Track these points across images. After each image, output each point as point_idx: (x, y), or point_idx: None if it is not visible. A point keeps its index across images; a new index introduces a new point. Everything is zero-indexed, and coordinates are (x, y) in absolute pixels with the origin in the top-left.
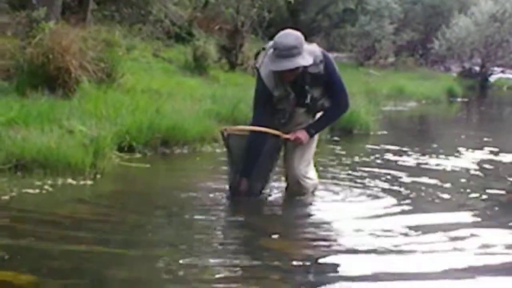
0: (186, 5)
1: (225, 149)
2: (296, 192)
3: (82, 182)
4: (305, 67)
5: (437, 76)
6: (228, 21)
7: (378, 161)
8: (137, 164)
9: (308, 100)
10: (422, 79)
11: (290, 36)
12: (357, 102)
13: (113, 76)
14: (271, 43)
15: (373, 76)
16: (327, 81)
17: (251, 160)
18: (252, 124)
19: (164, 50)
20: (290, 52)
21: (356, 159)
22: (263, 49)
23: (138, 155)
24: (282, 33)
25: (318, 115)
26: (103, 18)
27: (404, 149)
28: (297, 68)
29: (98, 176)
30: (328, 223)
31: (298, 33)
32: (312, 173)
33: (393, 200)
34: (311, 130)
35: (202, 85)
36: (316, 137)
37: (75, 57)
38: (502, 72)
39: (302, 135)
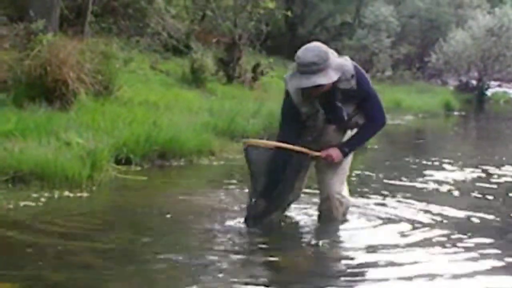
0: (184, 18)
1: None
2: (327, 211)
3: (79, 195)
4: (335, 82)
5: (434, 90)
6: (226, 34)
7: (373, 179)
8: (134, 176)
9: (345, 117)
10: (419, 93)
11: (310, 51)
12: None
13: (111, 89)
14: None
15: None
16: (361, 97)
17: (271, 181)
18: (278, 141)
19: (161, 63)
20: (309, 68)
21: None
22: None
23: (135, 168)
24: (304, 47)
25: (349, 132)
26: (101, 31)
27: (399, 164)
28: (316, 86)
29: (95, 188)
30: (333, 241)
31: (322, 47)
32: (345, 191)
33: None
34: (345, 148)
35: (199, 98)
36: (351, 156)
37: (72, 69)
38: (499, 86)
39: (334, 152)
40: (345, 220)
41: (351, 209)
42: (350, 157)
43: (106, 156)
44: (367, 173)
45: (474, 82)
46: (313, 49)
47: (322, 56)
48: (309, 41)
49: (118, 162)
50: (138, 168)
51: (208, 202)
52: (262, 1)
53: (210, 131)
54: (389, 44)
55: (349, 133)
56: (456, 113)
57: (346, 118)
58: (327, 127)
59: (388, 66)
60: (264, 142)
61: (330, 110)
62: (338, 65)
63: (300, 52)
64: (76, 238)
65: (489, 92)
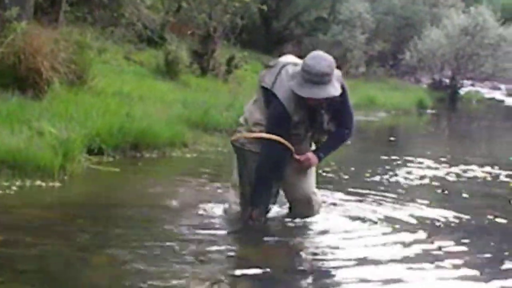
0: (159, 9)
1: (236, 162)
2: (303, 211)
3: (50, 184)
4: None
5: (407, 87)
6: (201, 26)
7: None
8: (106, 167)
9: (325, 126)
10: (392, 90)
11: (323, 61)
12: None
13: (84, 79)
14: (281, 60)
15: None
16: (340, 107)
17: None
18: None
19: (136, 54)
20: (322, 79)
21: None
22: (267, 66)
23: (107, 158)
24: (314, 55)
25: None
26: (75, 20)
27: (369, 160)
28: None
29: (67, 178)
30: (310, 235)
31: (331, 58)
32: (317, 191)
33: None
34: (321, 154)
35: (173, 90)
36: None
37: (46, 58)
38: (472, 85)
39: (312, 157)
40: (319, 217)
41: (324, 205)
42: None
43: (78, 146)
44: (341, 169)
45: (447, 80)
46: (325, 58)
47: (333, 67)
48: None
49: (90, 152)
50: (111, 159)
51: (179, 195)
52: None
53: (184, 123)
54: (364, 40)
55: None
56: (428, 111)
57: (325, 126)
58: (306, 135)
59: (362, 62)
60: (253, 134)
61: (314, 118)
62: (337, 75)
63: (311, 61)
64: (45, 228)
65: (462, 91)
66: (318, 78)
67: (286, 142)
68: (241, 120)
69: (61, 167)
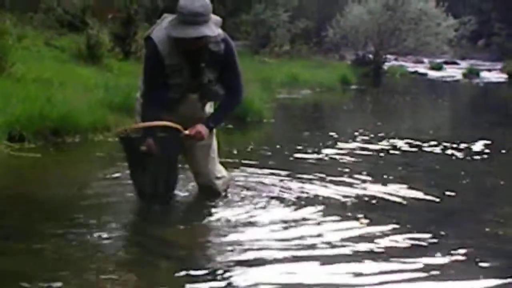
0: None
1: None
2: (209, 194)
3: None
4: (205, 42)
5: (331, 64)
6: (122, 9)
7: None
8: (27, 153)
9: (205, 81)
10: (316, 68)
11: (197, 1)
12: (251, 90)
13: (3, 65)
14: (165, 16)
15: (268, 64)
16: (225, 64)
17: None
18: (145, 98)
19: (56, 39)
20: (195, 19)
21: (249, 146)
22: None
23: (28, 145)
24: None
25: (208, 105)
26: None
27: (292, 138)
28: (201, 38)
29: None
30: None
31: (207, 0)
32: (220, 169)
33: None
34: (210, 123)
35: (95, 74)
36: (214, 130)
37: None
38: (396, 59)
39: (202, 129)
40: (231, 195)
41: (240, 183)
42: (214, 133)
43: None
44: (264, 147)
45: (371, 56)
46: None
47: (209, 8)
48: None
49: (11, 139)
50: (32, 146)
51: (100, 180)
52: None
53: (106, 107)
54: (287, 19)
55: (208, 107)
56: (353, 87)
57: (205, 81)
58: (189, 96)
59: (286, 41)
60: (140, 125)
61: (195, 71)
62: (216, 21)
63: (185, 2)
64: None
65: (385, 66)
66: (191, 18)
67: (172, 124)
68: (138, 95)
69: None
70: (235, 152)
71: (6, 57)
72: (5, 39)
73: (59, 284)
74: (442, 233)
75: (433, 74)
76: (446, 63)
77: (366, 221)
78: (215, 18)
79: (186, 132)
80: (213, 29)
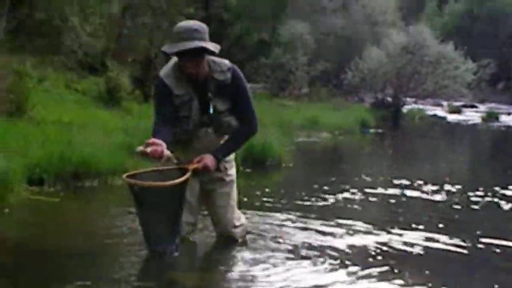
0: (100, 36)
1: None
2: (227, 241)
3: None
4: (210, 71)
5: (350, 107)
6: (142, 52)
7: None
8: (47, 198)
9: (211, 110)
10: (335, 110)
11: (190, 21)
12: (270, 133)
13: (24, 108)
14: (173, 57)
15: (287, 107)
16: (235, 94)
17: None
18: (152, 134)
19: (77, 81)
20: (191, 34)
21: (268, 191)
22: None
23: (48, 188)
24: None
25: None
26: (14, 49)
27: (312, 183)
28: (199, 53)
29: (7, 210)
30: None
31: (204, 24)
32: (239, 217)
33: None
34: (218, 154)
35: (115, 117)
36: (234, 175)
37: None
38: (415, 102)
39: (209, 160)
40: (249, 242)
41: (254, 230)
42: (234, 179)
43: (18, 176)
44: (282, 191)
45: (389, 99)
46: (193, 21)
47: (204, 28)
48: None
49: (31, 182)
50: (51, 189)
51: (118, 226)
52: (178, 19)
53: (125, 150)
54: (306, 61)
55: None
56: (372, 130)
57: (216, 113)
58: (202, 130)
59: (305, 83)
60: (145, 170)
61: (204, 101)
62: (215, 46)
63: (179, 24)
64: None
65: (404, 109)
66: (188, 34)
67: (181, 180)
68: None
69: (1, 199)
70: (253, 197)
71: (27, 99)
72: (26, 82)
73: None
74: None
75: (452, 117)
76: (465, 106)
77: (385, 269)
78: (213, 43)
79: (193, 166)
80: (210, 44)
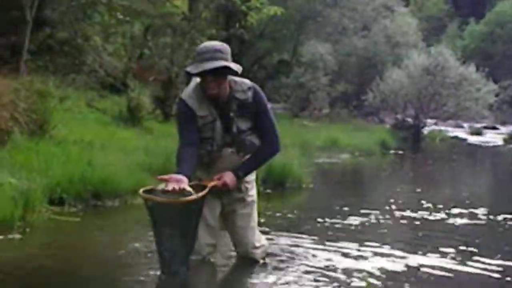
0: (121, 56)
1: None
2: (247, 263)
3: (10, 236)
4: (231, 91)
5: (371, 128)
6: (163, 72)
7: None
8: (67, 218)
9: (234, 130)
10: (356, 131)
11: (213, 42)
12: (290, 154)
13: (45, 128)
14: (194, 78)
15: (307, 127)
16: (256, 113)
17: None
18: (177, 156)
19: (98, 101)
20: (213, 55)
21: (288, 212)
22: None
23: (69, 208)
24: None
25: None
26: (37, 68)
27: (333, 204)
28: (222, 73)
29: (28, 230)
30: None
31: (226, 45)
32: (259, 238)
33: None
34: (239, 172)
35: (135, 137)
36: (255, 196)
37: (6, 108)
38: (435, 124)
39: (228, 178)
40: (269, 263)
41: (275, 251)
42: (255, 201)
43: (39, 196)
44: (303, 213)
45: (410, 120)
46: (217, 42)
47: (226, 48)
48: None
49: (51, 202)
50: (72, 209)
51: (137, 246)
52: (199, 40)
53: (145, 170)
54: (327, 82)
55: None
56: (392, 151)
57: (238, 132)
58: (225, 150)
59: (326, 104)
60: (166, 200)
61: (226, 122)
62: (238, 66)
63: (202, 44)
64: (4, 282)
65: (425, 130)
66: (210, 54)
67: (194, 197)
68: None
69: (21, 219)
70: (274, 218)
71: (48, 119)
72: (47, 102)
73: None
74: None
75: (473, 139)
76: (486, 128)
77: None
78: (236, 64)
79: (212, 183)
80: (232, 64)
